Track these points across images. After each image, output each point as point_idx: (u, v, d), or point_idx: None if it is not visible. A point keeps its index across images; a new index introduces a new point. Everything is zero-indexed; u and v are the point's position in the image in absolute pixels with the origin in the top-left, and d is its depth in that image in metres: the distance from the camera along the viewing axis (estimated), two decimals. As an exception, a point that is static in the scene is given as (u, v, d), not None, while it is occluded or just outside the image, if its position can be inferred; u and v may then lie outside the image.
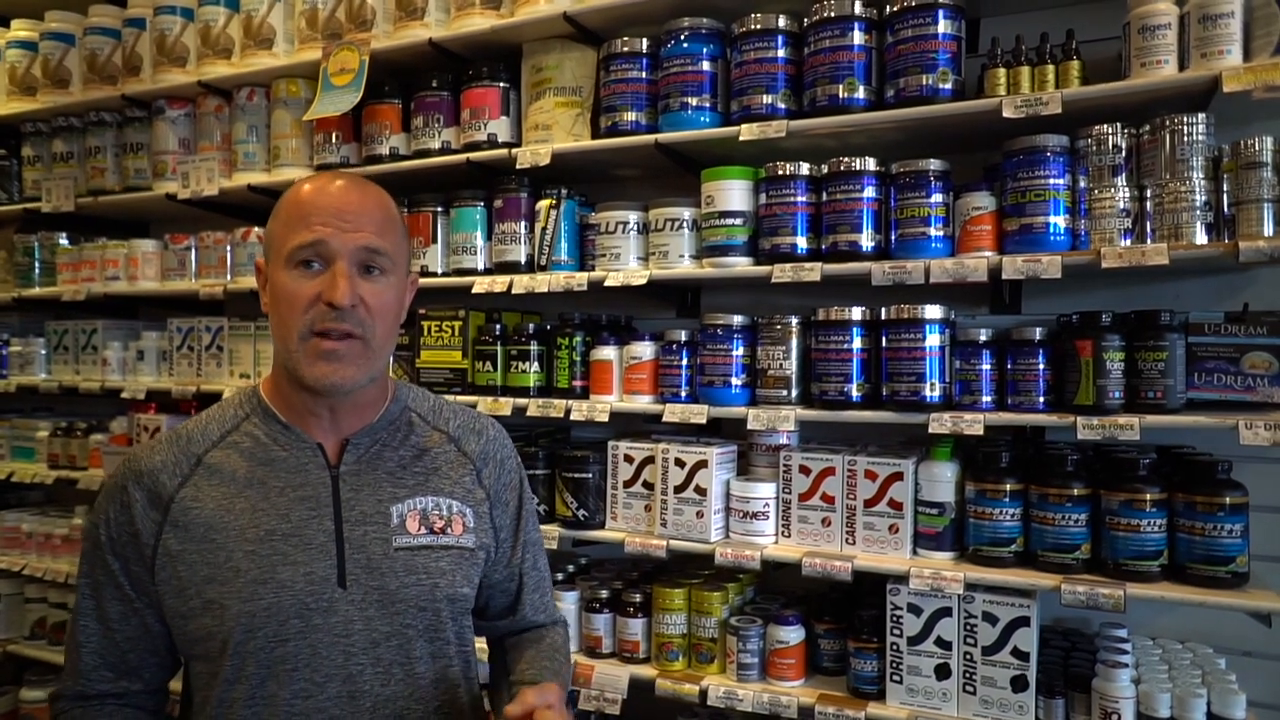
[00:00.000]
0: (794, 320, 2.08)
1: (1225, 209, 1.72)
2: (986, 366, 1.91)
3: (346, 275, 1.17)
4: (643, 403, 2.24)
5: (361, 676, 1.20)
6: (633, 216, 2.28)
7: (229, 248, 2.93)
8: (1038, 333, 1.87)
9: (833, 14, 2.01)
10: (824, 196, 2.05)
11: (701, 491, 2.12)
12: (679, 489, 2.14)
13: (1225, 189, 1.72)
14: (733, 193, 2.13)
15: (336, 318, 1.16)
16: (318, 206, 1.19)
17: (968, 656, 1.88)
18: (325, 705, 1.18)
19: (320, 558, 1.19)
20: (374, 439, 1.29)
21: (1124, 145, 1.81)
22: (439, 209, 2.55)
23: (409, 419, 1.34)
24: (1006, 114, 1.83)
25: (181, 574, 1.18)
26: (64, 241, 3.36)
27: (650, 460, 2.21)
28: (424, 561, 1.25)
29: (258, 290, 1.29)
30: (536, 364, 2.39)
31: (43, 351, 3.39)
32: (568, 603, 2.26)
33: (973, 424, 1.85)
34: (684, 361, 2.20)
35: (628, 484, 2.25)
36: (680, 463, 2.15)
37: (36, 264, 3.41)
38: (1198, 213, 1.71)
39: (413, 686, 1.24)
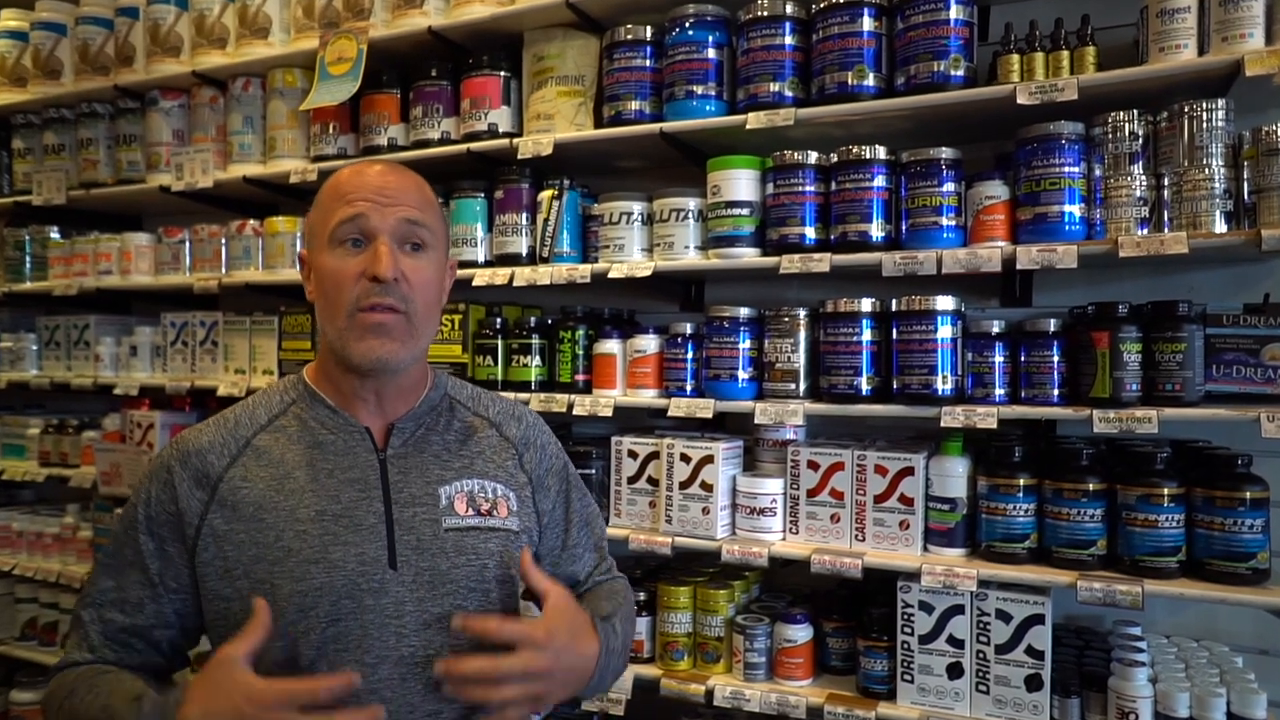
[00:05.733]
0: (802, 312, 2.04)
1: (1245, 197, 1.69)
2: (999, 359, 1.87)
3: (389, 247, 1.19)
4: (647, 397, 2.20)
5: (413, 659, 1.19)
6: (637, 207, 2.24)
7: (224, 241, 2.88)
8: (1052, 324, 1.83)
9: (842, 0, 1.97)
10: (833, 186, 2.02)
11: (707, 487, 2.08)
12: (684, 485, 2.10)
13: (1245, 176, 1.69)
14: (739, 182, 2.08)
15: (381, 291, 1.17)
16: (357, 185, 1.21)
17: (981, 655, 1.84)
18: (377, 686, 1.16)
19: (371, 539, 1.19)
20: (418, 423, 1.30)
21: (1141, 132, 1.77)
22: (439, 200, 2.50)
23: (450, 404, 1.36)
24: (1021, 101, 1.79)
25: (229, 554, 1.18)
26: (55, 235, 3.30)
27: (655, 456, 2.17)
28: (473, 542, 1.25)
29: (302, 282, 1.30)
30: (538, 358, 2.34)
31: (34, 347, 3.33)
32: (570, 601, 2.22)
33: (985, 417, 1.81)
34: (689, 355, 2.15)
35: (632, 480, 2.21)
36: (685, 458, 2.10)
37: (27, 258, 3.35)
38: (1217, 201, 1.68)
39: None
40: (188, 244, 2.97)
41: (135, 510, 1.22)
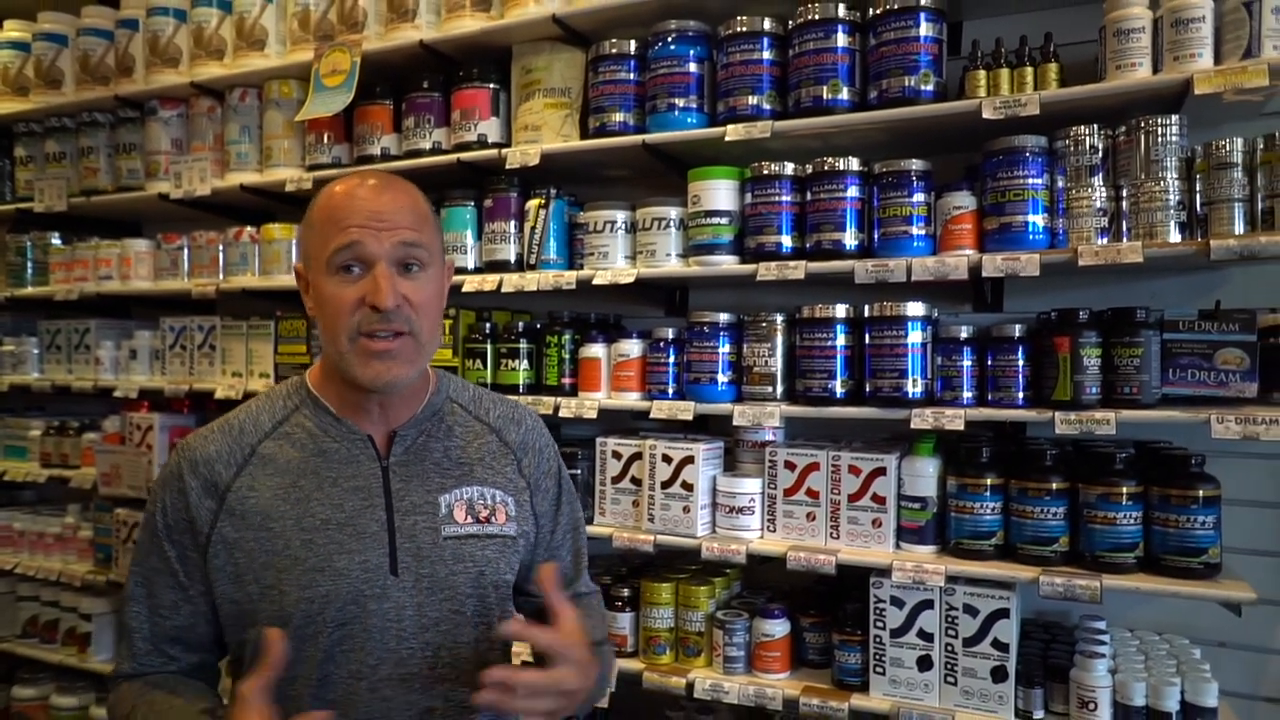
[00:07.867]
0: (779, 318, 2.11)
1: (1198, 208, 1.76)
2: (967, 363, 1.94)
3: (388, 276, 1.19)
4: (631, 400, 2.27)
5: (411, 660, 1.24)
6: (620, 216, 2.31)
7: (221, 247, 2.95)
8: (1017, 330, 1.90)
9: (817, 16, 2.05)
10: (808, 196, 2.09)
11: (688, 487, 2.15)
12: (666, 485, 2.17)
13: (1198, 189, 1.76)
14: (719, 192, 2.16)
15: (383, 319, 1.19)
16: (351, 210, 1.21)
17: (949, 648, 1.91)
18: (378, 685, 1.23)
19: (374, 546, 1.24)
20: (419, 430, 1.32)
21: (1100, 146, 1.84)
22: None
23: (451, 409, 1.38)
24: (986, 115, 1.87)
25: (239, 560, 1.22)
26: (57, 241, 3.37)
27: (638, 456, 2.24)
28: (471, 550, 1.29)
29: (300, 294, 1.31)
30: (526, 362, 2.41)
31: (35, 351, 3.40)
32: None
33: (954, 419, 1.88)
34: (671, 359, 2.23)
35: (615, 480, 2.28)
36: (667, 459, 2.17)
37: (29, 264, 3.42)
38: (1171, 212, 1.75)
39: (458, 670, 1.28)
40: (186, 250, 3.03)
41: (155, 519, 1.26)
